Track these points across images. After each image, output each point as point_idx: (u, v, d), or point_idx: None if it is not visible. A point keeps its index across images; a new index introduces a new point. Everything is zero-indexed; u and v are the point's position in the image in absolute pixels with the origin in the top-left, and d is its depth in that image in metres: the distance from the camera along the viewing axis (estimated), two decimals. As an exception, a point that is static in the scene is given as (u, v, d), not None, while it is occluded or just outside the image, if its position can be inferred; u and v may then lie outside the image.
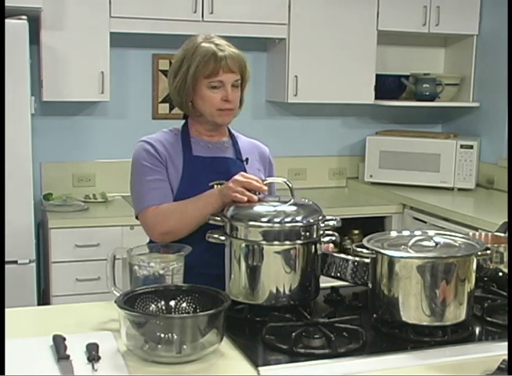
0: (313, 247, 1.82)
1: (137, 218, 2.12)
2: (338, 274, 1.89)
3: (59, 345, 1.58)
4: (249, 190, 1.89)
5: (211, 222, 1.88)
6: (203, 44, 2.05)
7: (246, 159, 2.16)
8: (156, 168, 2.07)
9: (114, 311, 1.61)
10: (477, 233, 2.20)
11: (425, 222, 3.83)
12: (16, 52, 3.20)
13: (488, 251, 1.76)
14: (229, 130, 2.23)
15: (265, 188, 1.92)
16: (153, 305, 1.67)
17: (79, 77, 3.68)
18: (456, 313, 1.69)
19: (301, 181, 4.38)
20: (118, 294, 1.68)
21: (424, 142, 4.28)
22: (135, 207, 2.12)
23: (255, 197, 1.88)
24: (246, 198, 1.86)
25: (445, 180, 4.23)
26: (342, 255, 1.90)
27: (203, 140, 2.15)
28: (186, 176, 2.07)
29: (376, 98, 4.30)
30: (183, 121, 2.21)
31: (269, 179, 2.01)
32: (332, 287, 2.03)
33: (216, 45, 2.05)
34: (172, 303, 1.68)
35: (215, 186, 2.03)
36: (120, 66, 4.04)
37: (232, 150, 2.18)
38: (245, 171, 2.09)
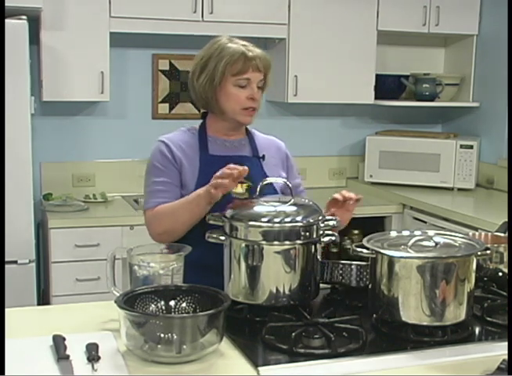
0: (313, 247, 1.82)
1: None
2: (342, 279, 1.90)
3: (59, 345, 1.58)
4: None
5: (211, 222, 1.88)
6: (230, 44, 2.10)
7: (263, 156, 2.19)
8: (165, 170, 2.11)
9: (114, 311, 1.60)
10: (477, 233, 2.20)
11: (425, 222, 3.83)
12: (16, 52, 3.20)
13: (488, 251, 1.76)
14: (246, 127, 2.25)
15: (240, 168, 1.90)
16: (152, 305, 1.67)
17: (79, 77, 3.68)
18: (456, 313, 1.69)
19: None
20: (118, 294, 1.68)
21: (424, 142, 4.28)
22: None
23: (225, 181, 1.88)
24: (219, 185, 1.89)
25: (445, 180, 4.23)
26: (344, 261, 1.92)
27: (220, 139, 2.18)
28: (202, 175, 2.09)
29: (376, 98, 4.30)
30: (200, 121, 2.23)
31: (269, 179, 2.01)
32: (332, 287, 2.03)
33: (243, 45, 2.11)
34: (172, 303, 1.68)
35: None
36: (120, 66, 4.04)
37: (249, 147, 2.21)
38: (261, 168, 2.15)
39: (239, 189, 1.98)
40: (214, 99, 2.12)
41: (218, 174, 1.92)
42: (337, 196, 2.07)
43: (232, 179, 1.89)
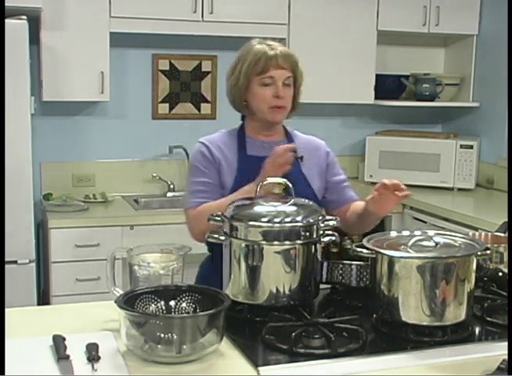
0: (313, 247, 1.82)
1: None
2: (342, 279, 1.90)
3: (59, 345, 1.58)
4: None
5: (211, 222, 1.88)
6: (257, 45, 2.14)
7: (301, 157, 2.19)
8: (205, 171, 2.15)
9: (114, 311, 1.60)
10: (477, 233, 2.20)
11: (425, 222, 3.83)
12: (16, 52, 3.20)
13: (488, 251, 1.76)
14: (285, 129, 2.28)
15: (291, 146, 2.05)
16: (152, 305, 1.67)
17: (79, 77, 3.68)
18: (456, 313, 1.69)
19: (301, 181, 4.37)
20: (118, 294, 1.68)
21: (424, 142, 4.28)
22: None
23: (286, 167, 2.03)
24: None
25: (445, 180, 4.23)
26: (344, 261, 1.92)
27: (258, 140, 2.20)
28: (240, 175, 2.12)
29: (376, 98, 4.30)
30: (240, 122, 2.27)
31: (269, 179, 2.01)
32: (332, 287, 2.03)
33: (268, 45, 2.13)
34: (172, 303, 1.68)
35: None
36: (120, 66, 4.04)
37: None
38: (299, 169, 2.17)
39: (276, 189, 1.99)
40: (242, 100, 2.15)
41: (270, 161, 2.04)
42: (386, 180, 2.03)
43: (278, 166, 2.01)
